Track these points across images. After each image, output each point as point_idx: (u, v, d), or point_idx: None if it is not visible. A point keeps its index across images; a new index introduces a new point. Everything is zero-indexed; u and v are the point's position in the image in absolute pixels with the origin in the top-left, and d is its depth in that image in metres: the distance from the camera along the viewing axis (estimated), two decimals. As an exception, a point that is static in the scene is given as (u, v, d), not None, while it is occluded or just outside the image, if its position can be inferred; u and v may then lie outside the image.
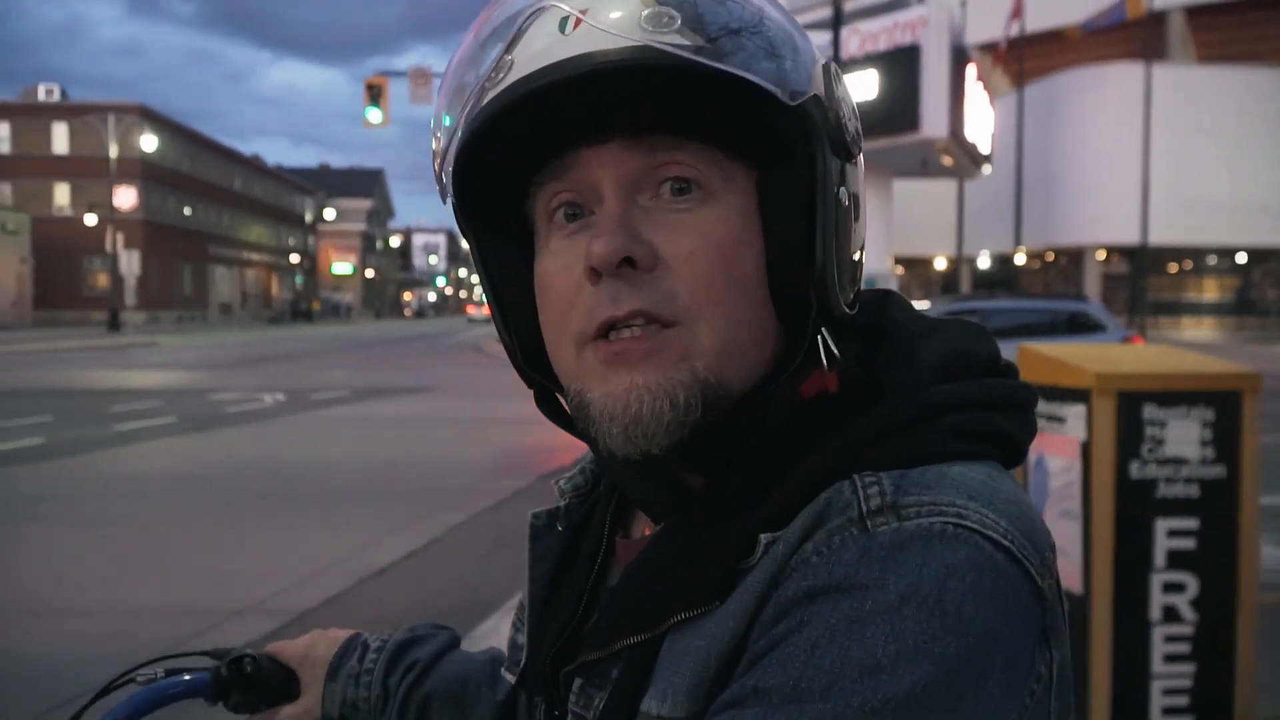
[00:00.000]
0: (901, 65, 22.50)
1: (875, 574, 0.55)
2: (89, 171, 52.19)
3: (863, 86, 22.46)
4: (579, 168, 0.65)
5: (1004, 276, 37.01)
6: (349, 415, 13.76)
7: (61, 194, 55.32)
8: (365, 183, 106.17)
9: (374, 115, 22.71)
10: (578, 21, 0.62)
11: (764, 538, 0.61)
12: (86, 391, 16.65)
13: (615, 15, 0.61)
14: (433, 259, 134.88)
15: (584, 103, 0.62)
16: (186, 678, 0.92)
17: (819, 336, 0.66)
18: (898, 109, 22.21)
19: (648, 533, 0.75)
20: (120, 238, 40.66)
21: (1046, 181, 32.84)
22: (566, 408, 0.70)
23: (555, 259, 0.67)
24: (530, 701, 0.77)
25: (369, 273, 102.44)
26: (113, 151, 43.95)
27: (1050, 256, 38.73)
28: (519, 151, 0.67)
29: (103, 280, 50.69)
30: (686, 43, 0.60)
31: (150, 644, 4.31)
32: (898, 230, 27.29)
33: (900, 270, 37.61)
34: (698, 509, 0.66)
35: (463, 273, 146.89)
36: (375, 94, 22.77)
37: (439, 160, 0.69)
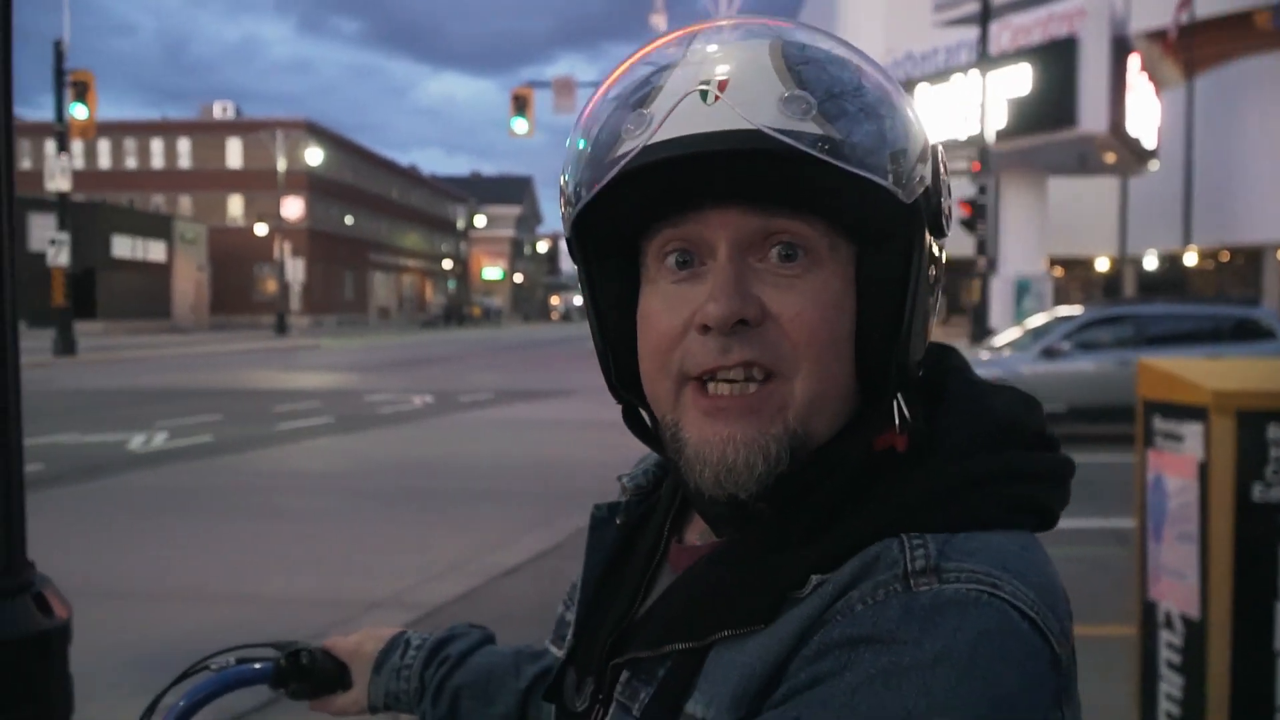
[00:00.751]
0: (1057, 58, 21.57)
1: (915, 632, 0.60)
2: (260, 184, 55.68)
3: (1014, 82, 21.65)
4: (697, 223, 0.70)
5: (1172, 277, 34.89)
6: (492, 417, 14.20)
7: (235, 205, 59.21)
8: (515, 190, 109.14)
9: (520, 125, 23.37)
10: (717, 96, 0.66)
11: (815, 577, 0.66)
12: (253, 392, 17.76)
13: (755, 96, 0.65)
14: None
15: (714, 168, 0.67)
16: (256, 666, 1.03)
17: (895, 399, 0.72)
18: (1053, 104, 21.31)
19: (696, 542, 0.80)
20: (288, 246, 43.18)
21: (1221, 176, 30.76)
22: (647, 421, 0.78)
23: (663, 300, 0.72)
24: (580, 680, 0.83)
25: (518, 277, 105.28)
26: (281, 165, 46.74)
27: (1225, 256, 36.28)
28: (644, 195, 0.71)
29: (271, 286, 53.90)
30: (819, 131, 0.65)
31: (290, 632, 4.61)
32: (1055, 230, 26.15)
33: (1059, 271, 36.01)
34: (760, 537, 0.71)
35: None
36: (521, 105, 23.42)
37: (571, 186, 0.74)
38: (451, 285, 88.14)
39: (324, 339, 42.59)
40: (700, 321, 0.68)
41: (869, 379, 0.71)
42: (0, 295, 1.73)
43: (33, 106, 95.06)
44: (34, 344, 29.98)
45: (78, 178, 59.14)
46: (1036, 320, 13.52)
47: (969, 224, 19.74)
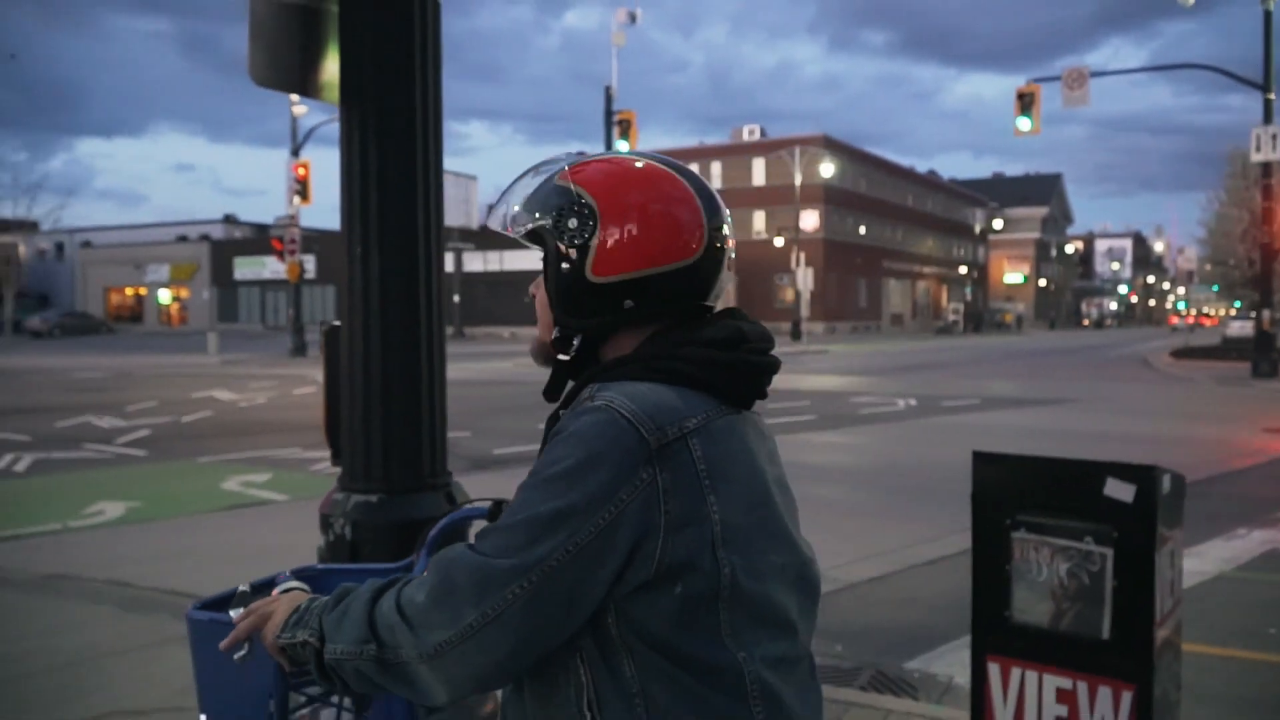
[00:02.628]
0: None
1: (569, 423, 1.22)
2: (780, 199, 59.25)
3: None
4: None
5: None
6: (969, 422, 14.03)
7: (758, 220, 63.64)
8: (1041, 189, 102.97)
9: (1024, 124, 22.46)
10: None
11: (563, 412, 1.30)
12: (754, 390, 19.29)
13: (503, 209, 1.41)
14: (1115, 265, 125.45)
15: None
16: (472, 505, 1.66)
17: (573, 337, 1.34)
18: None
19: None
20: (802, 256, 45.52)
21: None
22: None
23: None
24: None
25: (1042, 281, 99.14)
26: (797, 180, 49.40)
27: None
28: None
29: (789, 294, 57.10)
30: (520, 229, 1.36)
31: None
32: None
33: None
34: (557, 400, 1.37)
35: (1150, 279, 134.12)
36: (1026, 103, 22.49)
37: None
38: (968, 291, 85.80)
39: (833, 345, 44.21)
40: None
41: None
42: (428, 301, 2.61)
43: (595, 142, 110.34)
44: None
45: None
46: None
47: None
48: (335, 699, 1.58)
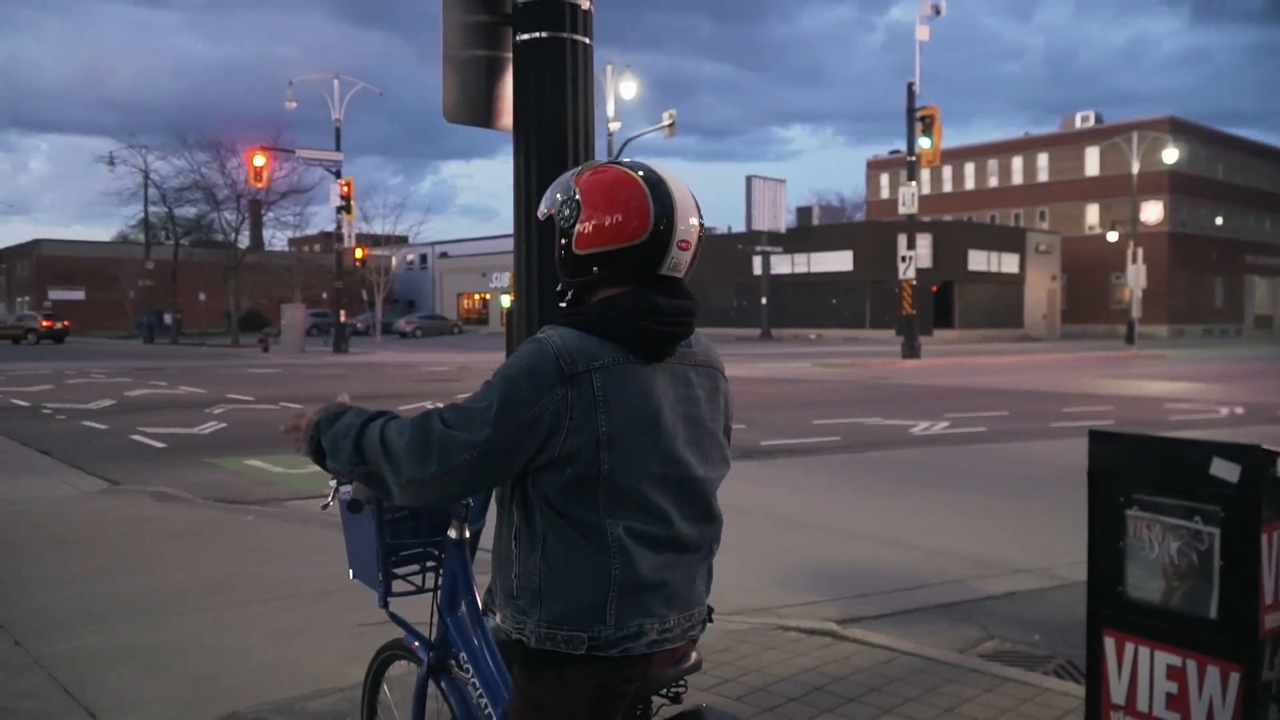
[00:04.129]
0: None
1: (522, 346, 1.77)
2: (1116, 190, 54.54)
3: None
4: None
5: None
6: (1301, 432, 12.55)
7: (1091, 214, 58.95)
8: None
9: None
10: None
11: None
12: (1056, 394, 18.26)
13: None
14: None
15: None
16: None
17: (566, 292, 1.88)
18: None
19: None
20: (1140, 251, 41.60)
21: None
22: None
23: None
24: None
25: None
26: (1135, 167, 45.26)
27: None
28: None
29: (1127, 294, 52.45)
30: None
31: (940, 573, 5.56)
32: None
33: None
34: None
35: None
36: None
37: None
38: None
39: (1175, 349, 40.19)
40: None
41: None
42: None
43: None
44: (888, 348, 34.56)
45: (946, 200, 65.60)
46: None
47: None
48: (418, 550, 2.35)
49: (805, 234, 55.85)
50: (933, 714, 3.60)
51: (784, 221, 53.67)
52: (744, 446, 10.93)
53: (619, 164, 1.84)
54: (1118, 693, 2.91)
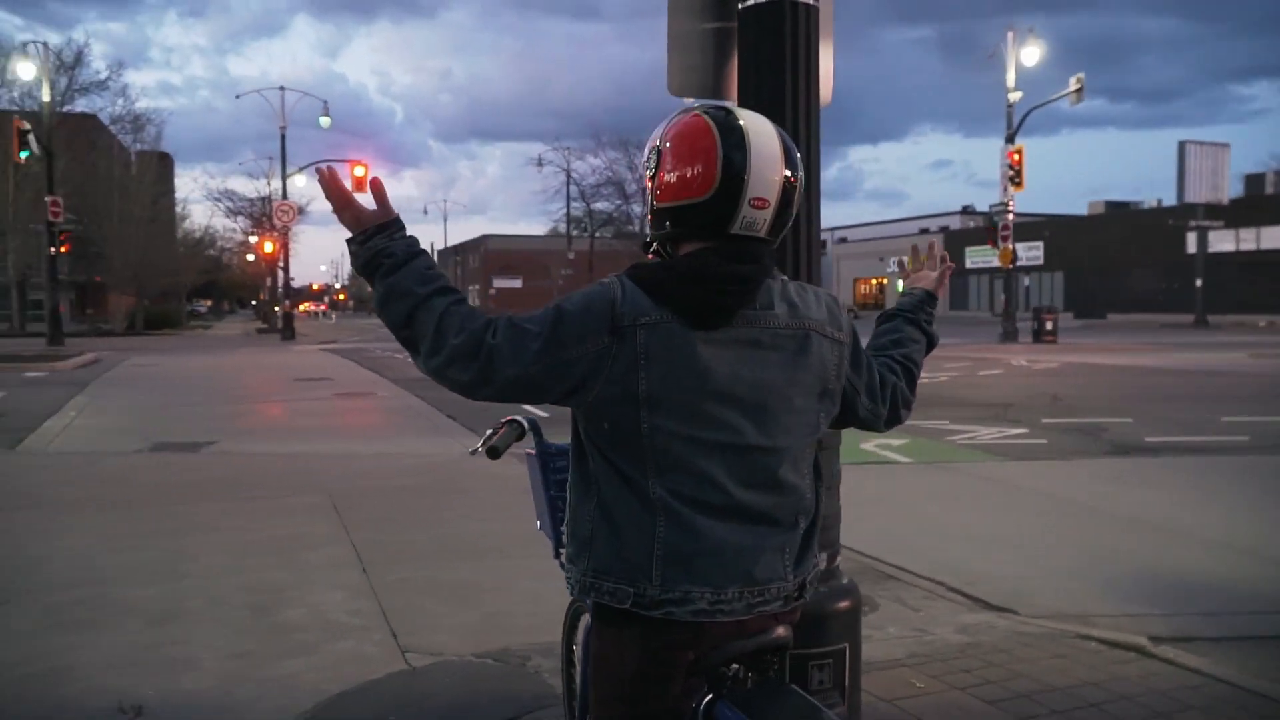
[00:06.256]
0: None
1: (590, 285, 1.74)
2: None
3: None
4: None
5: None
6: None
7: None
8: None
9: None
10: None
11: None
12: None
13: None
14: None
15: None
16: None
17: (651, 246, 1.85)
18: None
19: None
20: None
21: None
22: None
23: None
24: None
25: None
26: None
27: None
28: None
29: None
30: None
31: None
32: None
33: None
34: None
35: None
36: None
37: None
38: None
39: None
40: None
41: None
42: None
43: None
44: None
45: None
46: None
47: None
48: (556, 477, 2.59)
49: (1255, 205, 48.34)
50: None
51: (1226, 192, 46.82)
52: (1124, 442, 9.86)
53: (709, 110, 1.76)
54: None
